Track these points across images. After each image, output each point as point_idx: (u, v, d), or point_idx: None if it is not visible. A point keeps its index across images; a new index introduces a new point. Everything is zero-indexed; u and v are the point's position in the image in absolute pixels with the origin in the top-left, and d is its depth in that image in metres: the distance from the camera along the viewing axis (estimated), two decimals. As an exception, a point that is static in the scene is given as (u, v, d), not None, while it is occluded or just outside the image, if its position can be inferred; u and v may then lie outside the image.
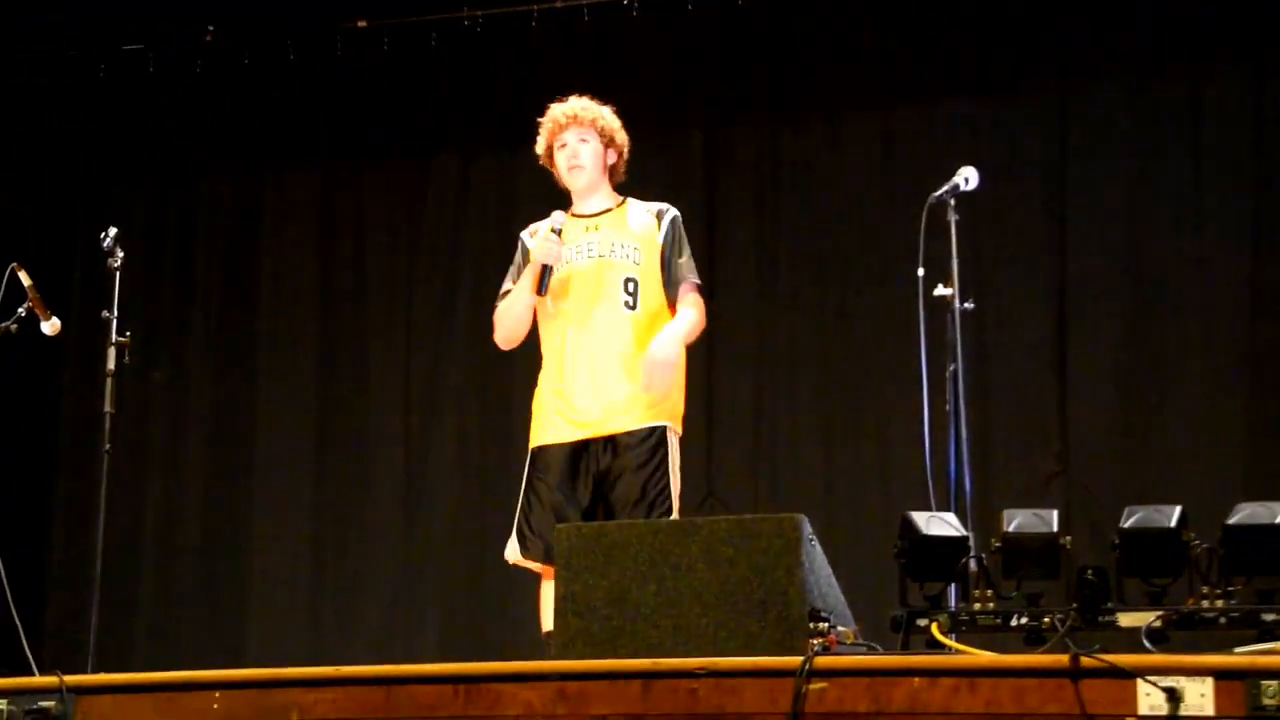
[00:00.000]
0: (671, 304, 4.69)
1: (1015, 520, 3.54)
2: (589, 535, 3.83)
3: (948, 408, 4.99)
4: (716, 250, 7.03)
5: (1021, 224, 6.73)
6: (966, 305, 5.04)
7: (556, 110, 4.72)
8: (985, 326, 6.37)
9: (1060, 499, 6.29)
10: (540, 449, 4.79)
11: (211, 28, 7.50)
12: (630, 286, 4.60)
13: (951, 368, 4.99)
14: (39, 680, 3.91)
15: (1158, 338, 6.53)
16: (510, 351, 7.19)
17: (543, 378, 4.76)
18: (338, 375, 7.51)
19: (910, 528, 3.63)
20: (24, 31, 7.45)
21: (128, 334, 5.22)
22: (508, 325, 4.72)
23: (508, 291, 4.75)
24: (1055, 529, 3.51)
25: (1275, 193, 6.42)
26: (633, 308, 4.60)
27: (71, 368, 7.41)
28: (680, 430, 4.80)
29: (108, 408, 5.20)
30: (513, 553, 4.86)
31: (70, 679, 3.77)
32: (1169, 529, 3.39)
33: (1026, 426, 6.61)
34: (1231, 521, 3.39)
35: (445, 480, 7.29)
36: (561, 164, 4.71)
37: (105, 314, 5.21)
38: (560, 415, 4.67)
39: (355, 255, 7.57)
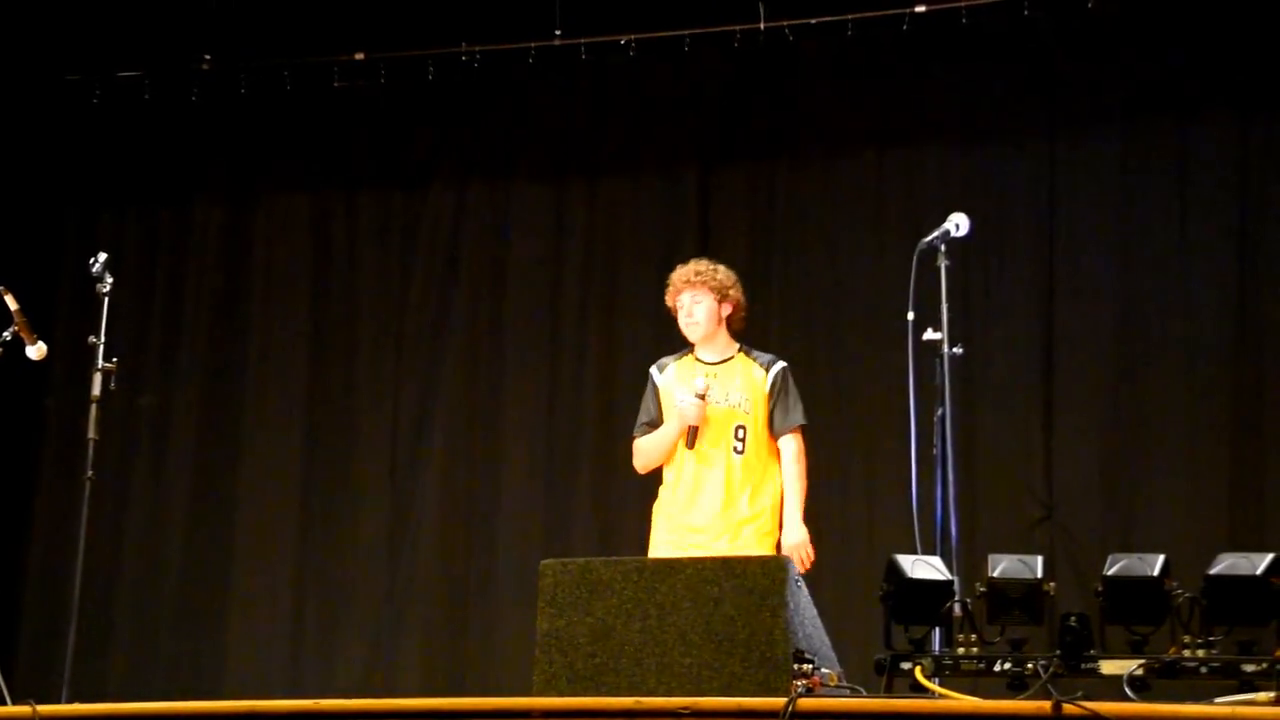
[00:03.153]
0: (774, 439, 5.23)
1: (1000, 565, 3.54)
2: (574, 572, 3.82)
3: (935, 452, 5.00)
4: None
5: (1011, 270, 6.75)
6: (955, 350, 5.06)
7: (679, 272, 5.30)
8: (973, 371, 6.38)
9: (1045, 545, 6.29)
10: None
11: (208, 56, 7.52)
12: (740, 433, 5.15)
13: (939, 412, 5.00)
14: (12, 710, 3.88)
15: (1144, 385, 6.54)
16: (500, 384, 7.28)
17: (664, 493, 5.26)
18: (326, 404, 7.49)
19: (896, 571, 3.63)
20: (17, 55, 7.45)
21: (114, 360, 5.21)
22: (651, 460, 5.26)
23: (645, 424, 5.28)
24: (1040, 575, 3.52)
25: (1261, 241, 6.46)
26: (741, 452, 5.15)
27: (56, 393, 7.38)
28: None
29: (92, 434, 5.18)
30: None
31: (44, 709, 3.74)
32: (1152, 577, 3.40)
33: (1013, 472, 6.61)
34: (1214, 571, 3.39)
35: (430, 513, 7.26)
36: (680, 320, 5.29)
37: (92, 339, 5.20)
38: (677, 534, 5.16)
39: (347, 285, 7.56)
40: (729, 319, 5.28)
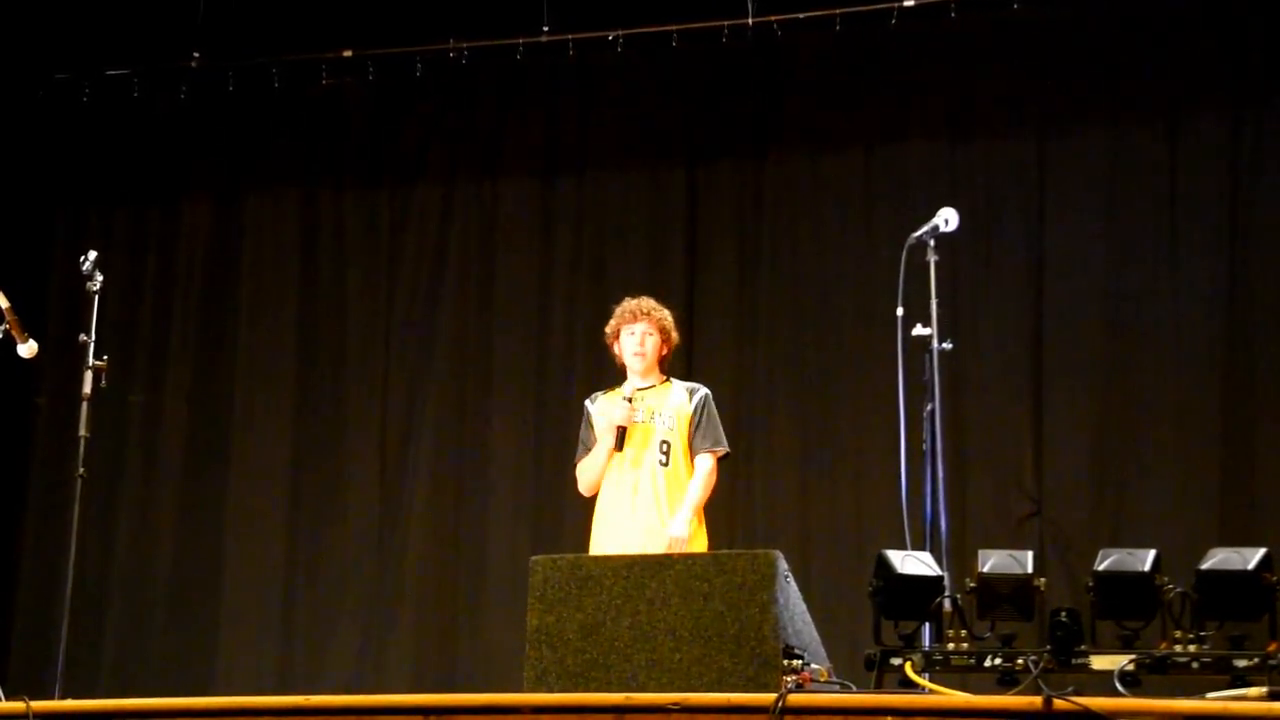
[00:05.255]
0: (691, 459, 5.48)
1: (990, 561, 3.55)
2: (564, 567, 3.82)
3: (925, 447, 5.01)
4: (696, 287, 7.06)
5: (1000, 266, 6.76)
6: (945, 345, 5.07)
7: (632, 304, 5.55)
8: (963, 367, 6.39)
9: (1035, 540, 6.30)
10: None
11: (197, 54, 7.50)
12: (664, 448, 5.42)
13: (929, 407, 5.01)
14: (5, 707, 3.88)
15: (1133, 381, 6.55)
16: (489, 381, 7.29)
17: (599, 503, 5.49)
18: (315, 402, 7.48)
19: (885, 566, 3.64)
20: (6, 54, 7.43)
21: (105, 358, 5.20)
22: (590, 479, 5.50)
23: (583, 449, 5.56)
24: (1030, 570, 3.52)
25: (1250, 239, 6.47)
26: (665, 464, 5.42)
27: (47, 391, 7.37)
28: None
29: (83, 431, 5.17)
30: None
31: (37, 705, 3.74)
32: (1143, 573, 3.40)
33: (1002, 467, 6.62)
34: (1205, 566, 3.40)
35: (419, 510, 7.25)
36: (628, 347, 5.53)
37: (83, 337, 5.19)
38: (608, 539, 5.38)
39: (335, 282, 7.56)
40: (663, 357, 5.57)
